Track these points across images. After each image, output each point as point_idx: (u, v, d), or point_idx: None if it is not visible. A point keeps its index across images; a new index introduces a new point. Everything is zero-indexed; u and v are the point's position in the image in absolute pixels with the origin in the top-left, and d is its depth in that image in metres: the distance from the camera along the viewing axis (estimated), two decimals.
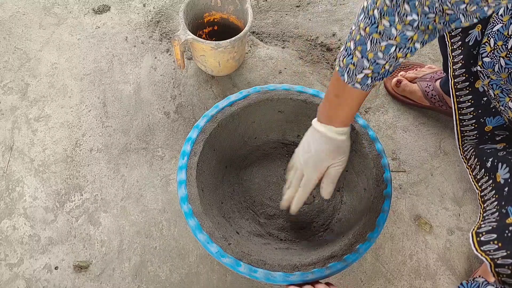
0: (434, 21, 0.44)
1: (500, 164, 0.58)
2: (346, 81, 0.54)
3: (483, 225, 0.55)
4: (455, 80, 0.67)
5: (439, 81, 0.88)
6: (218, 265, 0.75)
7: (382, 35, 0.47)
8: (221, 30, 1.00)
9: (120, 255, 0.77)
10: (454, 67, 0.66)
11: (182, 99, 0.95)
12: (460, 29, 0.64)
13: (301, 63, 1.02)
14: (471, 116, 0.68)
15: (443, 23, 0.44)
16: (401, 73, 0.95)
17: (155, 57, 1.02)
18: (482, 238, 0.53)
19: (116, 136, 0.90)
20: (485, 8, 0.39)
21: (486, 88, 0.60)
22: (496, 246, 0.50)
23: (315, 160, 0.62)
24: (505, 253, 0.48)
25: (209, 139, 0.71)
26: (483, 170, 0.62)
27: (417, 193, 0.84)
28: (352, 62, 0.52)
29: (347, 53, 0.52)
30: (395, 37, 0.47)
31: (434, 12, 0.43)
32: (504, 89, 0.56)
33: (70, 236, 0.79)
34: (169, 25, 1.08)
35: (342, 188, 0.77)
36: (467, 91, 0.67)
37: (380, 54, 0.49)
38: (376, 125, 0.92)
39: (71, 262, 0.76)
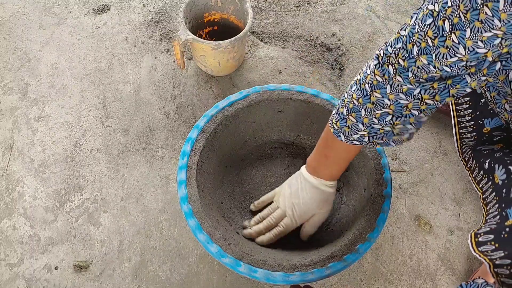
0: (432, 87, 0.45)
1: (497, 165, 0.58)
2: (343, 140, 0.56)
3: (483, 227, 0.55)
4: None
5: None
6: (218, 265, 0.75)
7: (376, 105, 0.49)
8: (221, 30, 1.00)
9: (120, 255, 0.77)
10: None
11: (182, 99, 0.95)
12: None
13: (301, 63, 1.02)
14: (469, 118, 0.68)
15: (444, 87, 0.45)
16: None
17: (155, 57, 1.02)
18: (480, 239, 0.53)
19: (116, 136, 0.90)
20: (481, 52, 0.39)
21: (483, 90, 0.60)
22: (493, 247, 0.50)
23: (303, 209, 0.65)
24: (503, 254, 0.48)
25: (209, 139, 0.71)
26: (482, 171, 0.62)
27: (417, 193, 0.84)
28: (347, 125, 0.54)
29: (340, 118, 0.54)
30: (389, 106, 0.49)
31: (431, 80, 0.44)
32: (500, 92, 0.56)
33: (70, 236, 0.79)
34: (169, 25, 1.08)
35: (342, 188, 0.77)
36: (465, 93, 0.67)
37: (375, 120, 0.51)
38: None
39: (71, 262, 0.76)
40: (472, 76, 0.42)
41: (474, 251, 0.52)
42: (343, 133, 0.55)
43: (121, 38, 1.06)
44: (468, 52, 0.38)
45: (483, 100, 0.65)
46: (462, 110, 0.69)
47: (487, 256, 0.50)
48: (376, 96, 0.49)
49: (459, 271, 0.76)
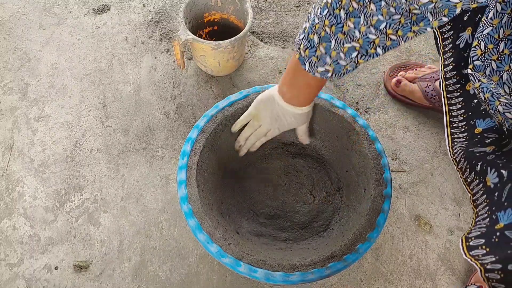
0: (400, 22, 0.45)
1: (489, 168, 0.58)
2: (306, 69, 0.55)
3: (473, 230, 0.55)
4: (446, 83, 0.68)
5: (439, 81, 0.88)
6: (218, 265, 0.75)
7: (346, 36, 0.48)
8: (221, 30, 1.00)
9: (120, 255, 0.77)
10: (445, 69, 0.67)
11: (182, 99, 0.95)
12: (452, 32, 0.64)
13: None
14: (462, 118, 0.68)
15: (410, 23, 0.45)
16: (401, 73, 0.95)
17: (155, 57, 1.02)
18: (471, 243, 0.53)
19: (116, 136, 0.90)
20: (453, 1, 0.40)
21: (476, 91, 0.60)
22: (484, 251, 0.50)
23: (287, 127, 0.70)
24: (494, 258, 0.48)
25: (209, 139, 0.71)
26: (473, 173, 0.62)
27: (417, 193, 0.84)
28: (316, 55, 0.53)
29: (310, 45, 0.53)
30: (358, 39, 0.48)
31: (400, 13, 0.44)
32: (494, 93, 0.56)
33: (70, 236, 0.79)
34: (169, 25, 1.08)
35: (342, 188, 0.77)
36: (458, 93, 0.67)
37: (342, 55, 0.50)
38: (376, 125, 0.92)
39: (71, 262, 0.76)
40: (434, 16, 0.43)
41: (466, 255, 0.52)
42: (309, 63, 0.54)
43: (121, 38, 1.06)
44: None
45: (476, 100, 0.65)
46: (455, 110, 0.69)
47: (478, 260, 0.50)
48: (349, 26, 0.47)
49: (459, 271, 0.76)
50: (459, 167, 0.66)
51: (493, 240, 0.49)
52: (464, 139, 0.68)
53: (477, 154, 0.62)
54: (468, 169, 0.63)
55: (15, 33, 1.07)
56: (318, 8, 0.51)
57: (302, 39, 0.54)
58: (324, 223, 0.74)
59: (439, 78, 0.88)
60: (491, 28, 0.54)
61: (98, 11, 1.11)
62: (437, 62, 1.02)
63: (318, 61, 0.53)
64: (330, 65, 0.52)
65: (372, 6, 0.45)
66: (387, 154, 0.88)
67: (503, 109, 0.55)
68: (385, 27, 0.46)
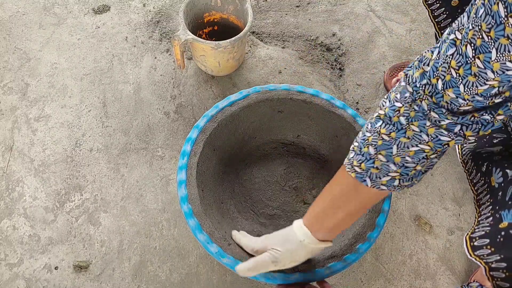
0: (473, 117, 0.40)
1: (494, 168, 0.58)
2: (369, 185, 0.48)
3: (477, 230, 0.55)
4: None
5: None
6: (218, 265, 0.75)
7: (412, 140, 0.43)
8: (221, 30, 1.00)
9: (120, 255, 0.77)
10: None
11: (182, 99, 0.95)
12: (450, 20, 0.64)
13: (301, 63, 1.02)
14: None
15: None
16: (401, 73, 0.95)
17: (155, 57, 1.02)
18: (475, 243, 0.53)
19: (116, 136, 0.90)
20: None
21: None
22: (489, 251, 0.50)
23: (296, 263, 0.56)
24: (498, 257, 0.48)
25: (209, 139, 0.71)
26: (479, 174, 0.62)
27: (417, 193, 0.84)
28: (375, 166, 0.47)
29: (365, 158, 0.47)
30: (427, 142, 0.43)
31: (468, 113, 0.40)
32: None
33: (70, 236, 0.79)
34: (169, 25, 1.08)
35: None
36: None
37: (408, 159, 0.45)
38: None
39: (71, 262, 0.76)
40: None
41: (470, 255, 0.52)
42: (369, 176, 0.47)
43: (121, 38, 1.06)
44: (497, 75, 0.33)
45: None
46: None
47: (483, 259, 0.50)
48: (413, 130, 0.43)
49: (459, 271, 0.76)
50: (466, 168, 0.65)
51: (498, 240, 0.49)
52: (472, 141, 0.68)
53: (484, 155, 0.62)
54: (474, 170, 0.63)
55: (15, 33, 1.07)
56: (367, 125, 0.48)
57: (353, 156, 0.48)
58: None
59: None
60: None
61: (98, 11, 1.11)
62: None
63: (379, 172, 0.46)
64: (395, 171, 0.46)
65: (434, 114, 0.40)
66: None
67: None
68: (460, 129, 0.40)
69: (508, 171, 0.54)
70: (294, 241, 0.54)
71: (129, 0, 1.13)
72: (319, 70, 1.01)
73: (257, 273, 0.55)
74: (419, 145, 0.43)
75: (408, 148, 0.44)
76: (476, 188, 0.62)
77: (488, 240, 0.51)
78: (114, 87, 0.97)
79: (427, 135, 0.42)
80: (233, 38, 0.84)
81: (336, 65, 1.02)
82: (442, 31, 0.65)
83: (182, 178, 0.65)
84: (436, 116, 0.41)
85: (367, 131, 0.47)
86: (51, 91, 0.97)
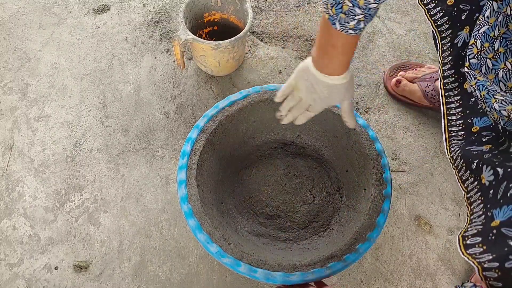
0: None
1: (485, 166, 0.58)
2: (338, 28, 0.52)
3: (469, 229, 0.55)
4: (444, 81, 0.68)
5: (438, 80, 0.88)
6: (218, 265, 0.75)
7: None
8: (221, 30, 1.00)
9: (120, 255, 0.77)
10: (443, 68, 0.67)
11: (182, 99, 0.95)
12: (450, 31, 0.64)
13: None
14: (459, 116, 0.68)
15: None
16: (401, 73, 0.95)
17: (155, 57, 1.02)
18: (468, 242, 0.53)
19: (116, 136, 0.90)
20: None
21: (473, 89, 0.60)
22: (481, 249, 0.50)
23: (325, 102, 0.62)
24: (491, 257, 0.48)
25: (209, 139, 0.71)
26: (468, 171, 0.62)
27: (417, 193, 0.84)
28: (343, 12, 0.51)
29: (336, 2, 0.51)
30: None
31: None
32: (490, 90, 0.57)
33: (70, 236, 0.79)
34: (169, 25, 1.08)
35: (342, 188, 0.77)
36: (456, 92, 0.68)
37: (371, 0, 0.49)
38: (376, 125, 0.92)
39: (71, 262, 0.76)
40: None
41: (463, 254, 0.52)
42: (339, 21, 0.52)
43: (121, 38, 1.06)
44: None
45: (473, 99, 0.65)
46: (453, 108, 0.69)
47: (475, 259, 0.50)
48: None
49: (459, 271, 0.76)
50: (455, 165, 0.66)
51: (489, 238, 0.50)
52: (461, 138, 0.68)
53: (474, 153, 0.62)
54: (464, 167, 0.63)
55: (15, 33, 1.07)
56: None
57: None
58: (324, 223, 0.74)
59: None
60: (487, 26, 0.54)
61: (98, 11, 1.11)
62: (437, 62, 1.02)
63: (346, 17, 0.51)
64: (360, 14, 0.50)
65: None
66: (387, 154, 0.88)
67: (499, 106, 0.56)
68: None
69: (498, 169, 0.54)
70: (307, 75, 0.61)
71: (129, 0, 1.13)
72: None
73: (282, 96, 0.65)
74: None
75: None
76: (466, 185, 0.62)
77: (480, 239, 0.51)
78: (114, 87, 0.97)
79: None
80: (233, 38, 0.84)
81: None
82: (439, 29, 0.66)
83: (182, 178, 0.65)
84: None
85: None
86: (51, 91, 0.97)
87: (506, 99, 0.55)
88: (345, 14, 0.50)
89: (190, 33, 0.83)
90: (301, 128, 0.81)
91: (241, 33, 0.85)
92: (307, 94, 0.62)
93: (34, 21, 1.09)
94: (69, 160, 0.87)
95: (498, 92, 0.55)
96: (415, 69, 0.96)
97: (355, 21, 0.51)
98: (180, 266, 0.76)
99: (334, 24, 0.52)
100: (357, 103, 0.96)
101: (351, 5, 0.49)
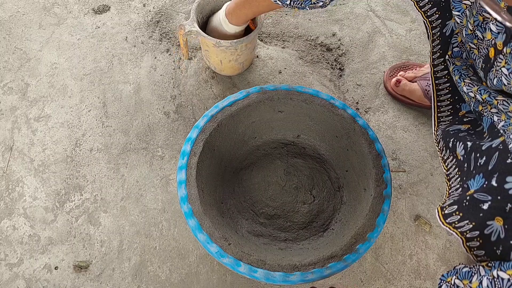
0: None
1: (458, 143, 0.60)
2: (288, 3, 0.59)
3: (447, 200, 0.56)
4: (435, 69, 0.70)
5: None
6: (218, 265, 0.75)
7: None
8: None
9: (120, 255, 0.77)
10: (433, 56, 0.69)
11: (182, 99, 0.95)
12: (440, 21, 0.66)
13: (301, 63, 1.02)
14: (448, 102, 0.71)
15: None
16: (401, 73, 0.95)
17: (155, 57, 1.02)
18: (446, 212, 0.54)
19: (116, 136, 0.90)
20: None
21: (452, 75, 0.64)
22: (458, 217, 0.51)
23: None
24: (470, 225, 0.49)
25: (209, 139, 0.71)
26: (447, 150, 0.64)
27: (417, 193, 0.84)
28: None
29: None
30: None
31: None
32: (462, 74, 0.61)
33: (70, 236, 0.79)
34: (169, 25, 1.08)
35: (342, 188, 0.77)
36: (446, 79, 0.70)
37: None
38: (376, 125, 0.92)
39: (71, 262, 0.76)
40: None
41: (443, 224, 0.53)
42: None
43: (121, 38, 1.06)
44: None
45: None
46: (442, 95, 0.71)
47: (456, 229, 0.51)
48: None
49: None
50: (439, 147, 0.68)
51: (464, 204, 0.51)
52: (448, 122, 0.70)
53: (451, 132, 0.65)
54: (444, 147, 0.65)
55: (15, 33, 1.07)
56: None
57: None
58: (324, 223, 0.74)
59: None
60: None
61: (98, 11, 1.11)
62: None
63: None
64: None
65: None
66: (387, 154, 0.88)
67: (467, 89, 0.60)
68: None
69: (468, 143, 0.57)
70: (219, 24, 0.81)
71: (129, 0, 1.13)
72: (319, 70, 1.01)
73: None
74: None
75: None
76: (446, 164, 0.64)
77: (456, 207, 0.52)
78: (114, 87, 0.97)
79: None
80: (234, 40, 0.84)
81: (336, 65, 1.02)
82: (429, 19, 0.67)
83: (182, 178, 0.65)
84: None
85: None
86: (51, 91, 0.97)
87: (472, 82, 0.59)
88: None
89: (196, 26, 0.84)
90: (301, 128, 0.81)
91: (244, 37, 0.84)
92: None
93: (34, 21, 1.09)
94: (69, 160, 0.87)
95: (468, 77, 0.59)
96: (415, 69, 0.96)
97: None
98: (180, 266, 0.76)
99: None
100: (357, 103, 0.96)
101: None
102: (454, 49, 0.64)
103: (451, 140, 0.62)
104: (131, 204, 0.82)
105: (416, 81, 0.92)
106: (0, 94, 0.96)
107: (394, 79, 0.94)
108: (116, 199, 0.83)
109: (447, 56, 0.64)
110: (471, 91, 0.59)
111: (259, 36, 1.07)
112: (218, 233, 0.61)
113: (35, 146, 0.89)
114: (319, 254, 0.61)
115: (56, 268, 0.76)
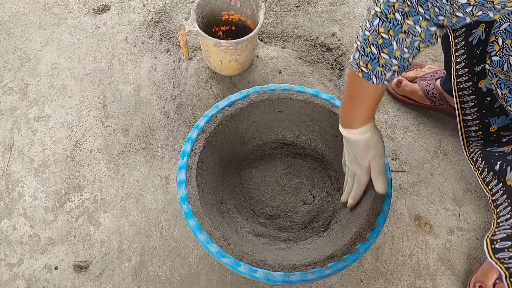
0: (443, 23, 0.46)
1: (509, 168, 0.57)
2: (375, 83, 0.53)
3: (497, 232, 0.54)
4: (458, 80, 0.67)
5: (439, 80, 0.88)
6: (218, 265, 0.75)
7: (408, 34, 0.48)
8: (238, 32, 0.99)
9: (120, 255, 0.77)
10: (457, 67, 0.66)
11: (182, 99, 0.95)
12: (464, 29, 0.63)
13: (301, 63, 1.02)
14: (475, 116, 0.67)
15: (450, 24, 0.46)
16: None
17: (155, 57, 1.02)
18: (496, 246, 0.52)
19: (116, 136, 0.90)
20: (490, 14, 0.40)
21: (494, 87, 0.59)
22: (511, 254, 0.49)
23: (355, 161, 0.63)
24: None
25: (209, 139, 0.71)
26: (491, 173, 0.61)
27: (417, 193, 0.84)
28: (380, 65, 0.52)
29: (370, 58, 0.52)
30: (420, 34, 0.48)
31: (443, 15, 0.44)
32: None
33: (70, 236, 0.79)
34: (169, 25, 1.08)
35: (342, 188, 0.77)
36: (470, 91, 0.67)
37: (405, 50, 0.50)
38: (376, 125, 0.92)
39: (71, 262, 0.76)
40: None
41: (491, 258, 0.52)
42: (376, 75, 0.53)
43: (121, 38, 1.06)
44: None
45: (489, 98, 0.64)
46: (468, 108, 0.68)
47: (503, 264, 0.50)
48: (408, 24, 0.47)
49: (459, 271, 0.76)
50: (476, 167, 0.65)
51: None
52: (479, 138, 0.67)
53: (496, 154, 0.62)
54: (486, 169, 0.62)
55: (15, 33, 1.07)
56: (365, 22, 0.51)
57: (358, 57, 0.53)
58: (324, 223, 0.74)
59: (439, 77, 0.88)
60: (509, 23, 0.53)
61: (98, 11, 1.11)
62: (437, 62, 1.02)
63: (384, 69, 0.52)
64: (396, 64, 0.52)
65: (420, 9, 0.45)
66: (387, 154, 0.88)
67: None
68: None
69: None
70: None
71: (129, 0, 1.13)
72: (319, 70, 1.01)
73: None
74: (414, 37, 0.48)
75: (405, 41, 0.49)
76: (490, 187, 0.61)
77: (510, 243, 0.50)
78: (114, 87, 0.97)
79: (420, 27, 0.47)
80: (234, 40, 0.84)
81: (336, 65, 1.02)
82: (456, 40, 0.65)
83: (182, 178, 0.65)
84: (422, 11, 0.46)
85: (366, 30, 0.51)
86: (51, 91, 0.97)
87: None
88: (383, 67, 0.52)
89: (196, 26, 0.84)
90: (301, 128, 0.81)
91: (244, 37, 0.84)
92: (346, 157, 0.64)
93: (34, 21, 1.09)
94: (69, 160, 0.87)
95: None
96: (416, 69, 0.96)
97: (391, 72, 0.52)
98: (180, 266, 0.76)
99: (371, 79, 0.53)
100: None
101: (388, 57, 0.51)
102: (492, 58, 0.59)
103: (498, 163, 0.60)
104: (131, 204, 0.82)
105: (416, 82, 0.92)
106: (0, 94, 0.96)
107: (394, 80, 0.94)
108: (116, 199, 0.83)
109: (487, 66, 0.60)
110: None
111: (259, 36, 1.07)
112: (218, 233, 0.61)
113: (35, 146, 0.89)
114: (319, 254, 0.61)
115: (56, 268, 0.76)
